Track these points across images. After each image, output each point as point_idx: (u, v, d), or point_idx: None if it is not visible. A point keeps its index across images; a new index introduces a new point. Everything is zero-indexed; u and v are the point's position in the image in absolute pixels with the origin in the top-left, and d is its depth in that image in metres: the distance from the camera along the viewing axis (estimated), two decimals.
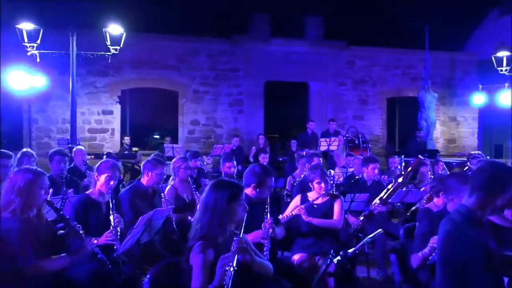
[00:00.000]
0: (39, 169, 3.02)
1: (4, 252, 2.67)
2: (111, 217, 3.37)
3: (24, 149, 5.38)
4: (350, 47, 13.18)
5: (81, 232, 2.93)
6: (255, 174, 3.49)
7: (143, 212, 3.68)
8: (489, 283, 2.03)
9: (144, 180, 4.28)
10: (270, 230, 3.32)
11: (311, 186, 4.15)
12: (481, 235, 2.11)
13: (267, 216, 3.38)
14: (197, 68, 12.45)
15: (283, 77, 12.92)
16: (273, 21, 12.62)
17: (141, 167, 4.37)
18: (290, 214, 3.92)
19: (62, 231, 2.95)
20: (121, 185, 5.30)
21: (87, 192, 3.71)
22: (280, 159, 10.94)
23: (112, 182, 3.58)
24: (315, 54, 12.88)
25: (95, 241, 3.20)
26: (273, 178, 3.61)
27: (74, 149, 6.56)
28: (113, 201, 3.46)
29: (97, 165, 3.76)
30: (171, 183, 4.82)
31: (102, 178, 3.57)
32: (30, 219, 2.81)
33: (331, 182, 4.07)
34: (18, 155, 5.01)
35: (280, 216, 3.60)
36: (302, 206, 3.95)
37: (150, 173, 4.23)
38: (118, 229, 3.34)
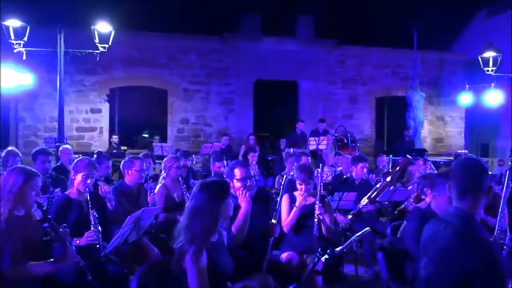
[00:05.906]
0: (33, 169, 2.99)
1: None
2: (91, 216, 3.37)
3: (9, 148, 5.33)
4: (340, 46, 13.21)
5: (66, 238, 2.91)
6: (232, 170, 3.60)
7: (129, 211, 3.67)
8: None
9: (127, 179, 4.36)
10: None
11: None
12: (487, 238, 2.04)
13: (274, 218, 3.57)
14: (188, 67, 12.39)
15: (274, 75, 12.91)
16: (265, 20, 12.61)
17: (121, 169, 4.40)
18: (293, 217, 3.90)
19: (47, 237, 2.91)
20: (110, 184, 5.28)
21: (66, 192, 3.68)
22: (269, 158, 10.96)
23: (89, 181, 3.55)
24: (306, 52, 12.90)
25: (78, 241, 3.19)
26: (250, 169, 3.68)
27: (60, 148, 6.51)
28: (92, 199, 3.45)
29: (73, 164, 3.74)
30: (162, 182, 4.82)
31: (79, 176, 3.55)
32: (17, 220, 2.79)
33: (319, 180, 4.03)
34: (3, 154, 4.96)
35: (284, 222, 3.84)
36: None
37: (129, 171, 4.32)
38: (99, 227, 3.34)
